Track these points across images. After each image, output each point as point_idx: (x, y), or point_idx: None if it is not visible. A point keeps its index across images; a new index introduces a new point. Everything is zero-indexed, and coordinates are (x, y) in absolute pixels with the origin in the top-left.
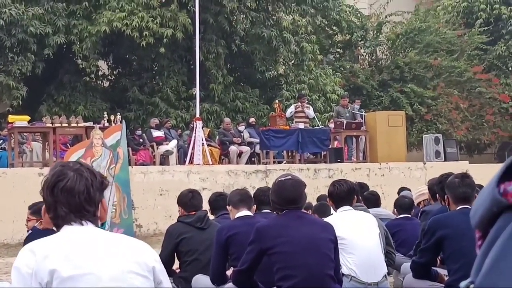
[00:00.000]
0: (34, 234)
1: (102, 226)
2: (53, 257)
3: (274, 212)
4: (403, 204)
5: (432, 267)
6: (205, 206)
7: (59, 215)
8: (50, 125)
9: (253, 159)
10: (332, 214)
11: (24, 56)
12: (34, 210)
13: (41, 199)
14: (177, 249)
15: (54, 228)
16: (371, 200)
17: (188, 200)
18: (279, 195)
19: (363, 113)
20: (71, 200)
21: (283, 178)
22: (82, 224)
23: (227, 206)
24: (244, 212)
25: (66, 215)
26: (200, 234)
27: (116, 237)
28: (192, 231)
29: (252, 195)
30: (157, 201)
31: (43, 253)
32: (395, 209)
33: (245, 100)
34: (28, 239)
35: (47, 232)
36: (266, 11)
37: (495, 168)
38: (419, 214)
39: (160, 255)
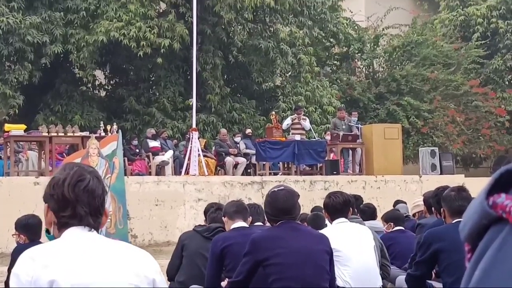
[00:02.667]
0: (20, 250)
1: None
2: (53, 267)
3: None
4: (396, 217)
5: (427, 280)
6: (202, 216)
7: (77, 214)
8: (46, 134)
9: (249, 170)
10: (326, 225)
11: (21, 65)
12: (16, 225)
13: (33, 210)
14: (182, 251)
15: (41, 240)
16: (367, 213)
17: (210, 212)
18: (273, 206)
19: (359, 126)
20: (91, 201)
21: (276, 189)
22: (90, 230)
23: (223, 218)
24: (240, 224)
25: (86, 215)
26: (204, 243)
27: (117, 246)
28: (197, 238)
29: None
30: (152, 211)
31: (43, 261)
32: (384, 222)
33: (241, 111)
34: (13, 255)
35: (30, 245)
36: (263, 22)
37: None
38: (415, 227)
39: (170, 261)
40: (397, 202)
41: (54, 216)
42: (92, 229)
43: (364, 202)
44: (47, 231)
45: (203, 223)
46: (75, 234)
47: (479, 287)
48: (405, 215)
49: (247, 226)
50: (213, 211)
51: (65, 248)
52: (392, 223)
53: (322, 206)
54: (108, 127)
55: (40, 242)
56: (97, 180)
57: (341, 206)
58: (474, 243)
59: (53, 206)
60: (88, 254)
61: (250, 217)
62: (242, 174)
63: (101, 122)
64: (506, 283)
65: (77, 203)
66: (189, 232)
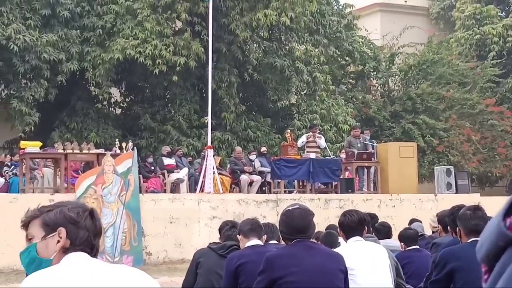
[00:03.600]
0: None
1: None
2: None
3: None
4: (410, 235)
5: None
6: (216, 234)
7: (88, 243)
8: (62, 151)
9: (264, 188)
10: (339, 244)
11: (37, 82)
12: None
13: None
14: (197, 267)
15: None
16: (382, 232)
17: (225, 230)
18: (288, 225)
19: (375, 144)
20: (97, 233)
21: (291, 208)
22: (92, 256)
23: (238, 235)
24: (255, 242)
25: (95, 244)
26: (219, 260)
27: (116, 270)
28: (212, 256)
29: None
30: (167, 229)
31: (46, 284)
32: (402, 243)
33: (256, 129)
34: None
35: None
36: (279, 40)
37: None
38: (430, 246)
39: (184, 278)
40: (412, 220)
41: (68, 241)
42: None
43: (379, 221)
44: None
45: (217, 240)
46: (79, 258)
47: None
48: (420, 234)
49: (262, 244)
50: (228, 228)
51: (66, 271)
52: (403, 243)
53: (337, 225)
54: (124, 145)
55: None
56: (99, 219)
57: (356, 224)
58: (491, 264)
59: (75, 231)
60: (91, 278)
61: (265, 235)
62: (257, 192)
63: (117, 140)
64: None
65: (89, 232)
66: (203, 249)
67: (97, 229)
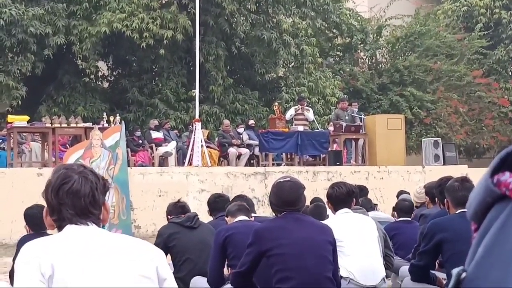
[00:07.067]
0: (23, 240)
1: (103, 227)
2: (55, 253)
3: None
4: (404, 207)
5: (431, 271)
6: (205, 207)
7: (64, 217)
8: (50, 125)
9: (252, 161)
10: (328, 216)
11: (24, 56)
12: (24, 217)
13: (36, 201)
14: (169, 249)
15: (47, 231)
16: (364, 205)
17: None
18: (278, 197)
19: (363, 116)
20: (76, 202)
21: (281, 180)
22: (88, 225)
23: (225, 217)
24: (242, 217)
25: (72, 217)
26: (190, 233)
27: (119, 237)
28: (182, 231)
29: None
30: (155, 202)
31: (45, 248)
32: (395, 212)
33: (244, 102)
34: (18, 245)
35: (37, 236)
36: (266, 13)
37: None
38: (418, 217)
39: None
40: (400, 192)
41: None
42: (92, 223)
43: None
44: None
45: (206, 213)
46: (74, 228)
47: (482, 265)
48: None
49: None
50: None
51: (66, 238)
52: (396, 213)
53: (325, 197)
54: (111, 118)
55: (46, 233)
56: (84, 180)
57: (345, 196)
58: (480, 222)
59: (48, 209)
60: (90, 243)
61: (252, 216)
62: (245, 165)
63: (104, 113)
64: (508, 260)
65: (62, 207)
66: (170, 225)
67: (51, 202)
